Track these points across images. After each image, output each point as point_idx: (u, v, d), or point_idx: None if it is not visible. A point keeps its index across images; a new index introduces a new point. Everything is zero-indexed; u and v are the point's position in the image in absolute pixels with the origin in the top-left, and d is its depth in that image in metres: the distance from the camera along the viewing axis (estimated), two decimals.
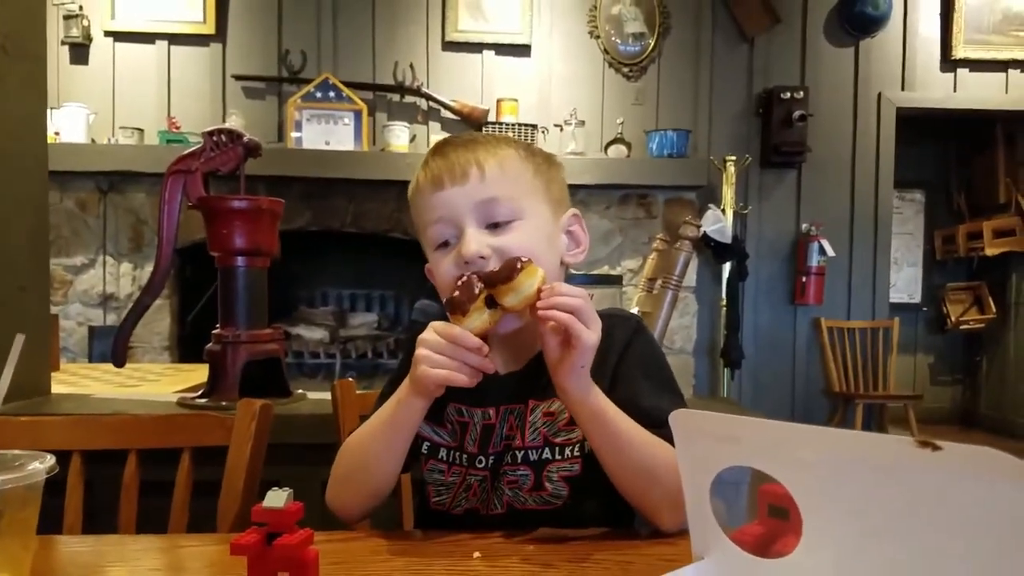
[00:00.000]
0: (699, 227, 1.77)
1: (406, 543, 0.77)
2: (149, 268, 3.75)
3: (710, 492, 0.55)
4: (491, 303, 0.75)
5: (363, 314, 4.14)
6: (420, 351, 0.75)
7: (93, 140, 3.60)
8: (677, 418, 0.53)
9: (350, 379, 1.17)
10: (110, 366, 2.22)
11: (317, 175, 3.54)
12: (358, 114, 3.65)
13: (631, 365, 0.85)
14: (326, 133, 3.63)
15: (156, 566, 0.73)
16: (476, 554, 0.72)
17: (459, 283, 0.76)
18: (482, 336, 0.75)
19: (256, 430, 1.00)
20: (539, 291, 0.74)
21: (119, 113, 3.74)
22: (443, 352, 0.74)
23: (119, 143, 3.60)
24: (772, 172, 4.07)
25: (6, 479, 0.58)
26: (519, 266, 0.74)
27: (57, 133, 3.50)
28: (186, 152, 1.52)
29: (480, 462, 0.85)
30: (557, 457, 0.84)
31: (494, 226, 0.82)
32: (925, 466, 0.41)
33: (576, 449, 0.84)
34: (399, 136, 3.63)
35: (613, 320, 0.84)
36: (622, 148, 3.76)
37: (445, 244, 0.83)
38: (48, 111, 3.44)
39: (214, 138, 1.51)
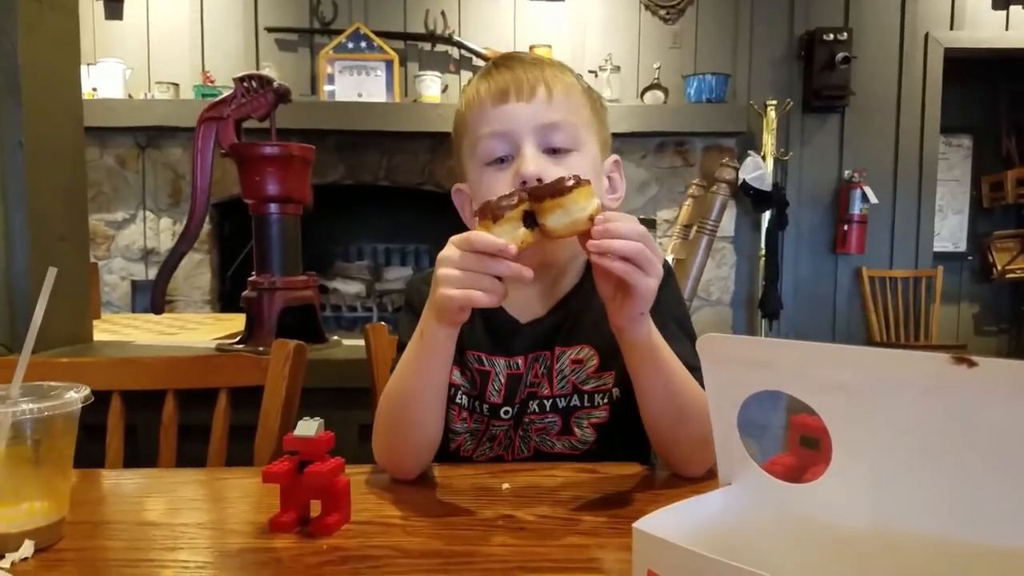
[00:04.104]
0: (736, 168, 1.71)
1: (436, 475, 0.77)
2: None
3: (738, 419, 0.54)
4: (530, 224, 0.65)
5: (398, 268, 4.18)
6: (440, 271, 0.66)
7: (130, 96, 3.64)
8: (705, 343, 0.52)
9: (382, 323, 1.18)
10: (151, 316, 2.28)
11: (350, 127, 3.54)
12: (389, 64, 3.61)
13: (659, 311, 0.83)
14: (358, 85, 3.61)
15: (193, 496, 0.75)
16: (505, 485, 0.72)
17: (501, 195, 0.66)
18: None
19: (291, 370, 1.02)
20: (591, 220, 0.65)
21: (154, 68, 3.76)
22: (466, 267, 0.65)
23: (155, 98, 3.63)
24: (814, 117, 3.94)
25: (43, 407, 0.59)
26: (573, 182, 0.64)
27: (95, 89, 3.54)
28: (217, 99, 1.52)
29: (506, 412, 0.84)
30: (586, 405, 0.83)
31: (551, 152, 0.79)
32: (961, 384, 0.40)
33: (606, 397, 0.83)
34: (431, 86, 3.59)
35: None
36: (659, 94, 3.66)
37: (499, 161, 0.79)
38: (85, 67, 3.51)
39: (245, 84, 1.50)
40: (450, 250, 0.66)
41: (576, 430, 0.83)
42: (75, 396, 0.62)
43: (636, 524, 0.47)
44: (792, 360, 0.49)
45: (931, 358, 0.40)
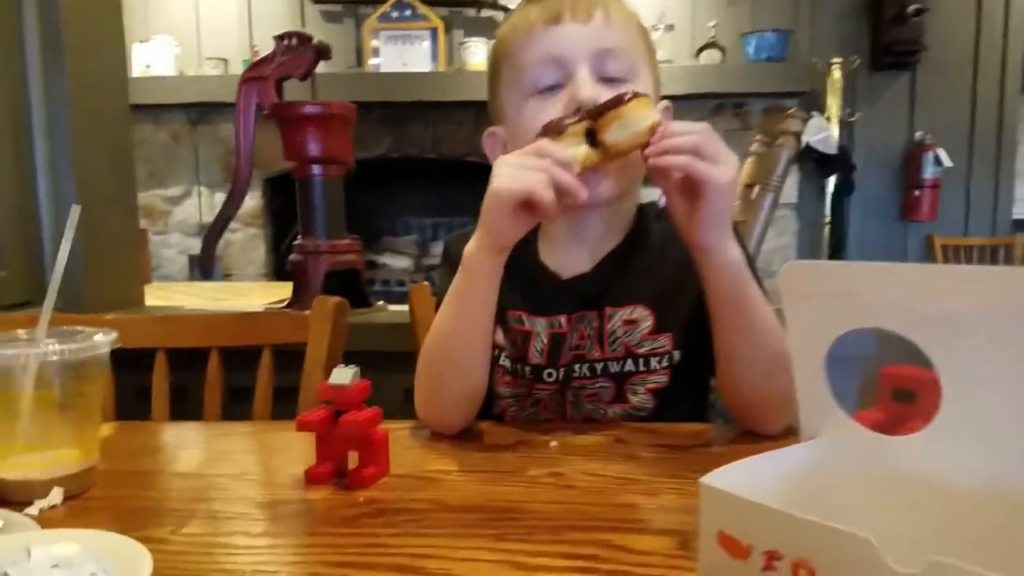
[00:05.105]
0: (804, 119, 1.60)
1: (480, 430, 0.72)
2: None
3: (826, 363, 0.47)
4: (593, 143, 0.64)
5: None
6: (497, 169, 0.63)
7: (181, 72, 3.67)
8: (789, 274, 0.45)
9: (425, 283, 1.13)
10: (202, 284, 2.29)
11: (395, 99, 3.50)
12: (434, 32, 3.55)
13: None
14: (403, 54, 3.56)
15: (231, 448, 0.72)
16: (552, 443, 0.67)
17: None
18: None
19: (333, 327, 0.99)
20: (651, 131, 0.63)
21: (204, 44, 3.79)
22: (526, 165, 0.62)
23: (205, 74, 3.66)
24: (882, 75, 3.72)
25: (70, 349, 0.56)
26: (630, 96, 0.63)
27: (148, 67, 3.59)
28: (258, 59, 1.49)
29: (549, 375, 0.77)
30: (642, 369, 0.76)
31: (606, 82, 0.71)
32: None
33: (664, 360, 0.76)
34: (476, 54, 3.52)
35: None
36: (715, 53, 3.51)
37: (548, 90, 0.72)
38: (138, 44, 3.55)
39: (285, 42, 1.47)
40: (511, 155, 0.64)
41: (631, 396, 0.76)
42: (103, 339, 0.59)
43: (704, 479, 0.41)
44: (890, 288, 0.42)
45: None
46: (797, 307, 0.46)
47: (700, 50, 3.56)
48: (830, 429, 0.48)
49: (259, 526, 0.50)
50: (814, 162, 3.55)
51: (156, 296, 1.81)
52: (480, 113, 3.71)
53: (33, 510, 0.54)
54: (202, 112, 3.69)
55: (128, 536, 0.47)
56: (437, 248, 4.08)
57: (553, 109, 0.70)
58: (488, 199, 0.64)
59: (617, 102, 0.63)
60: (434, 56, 3.55)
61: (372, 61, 3.57)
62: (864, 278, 0.43)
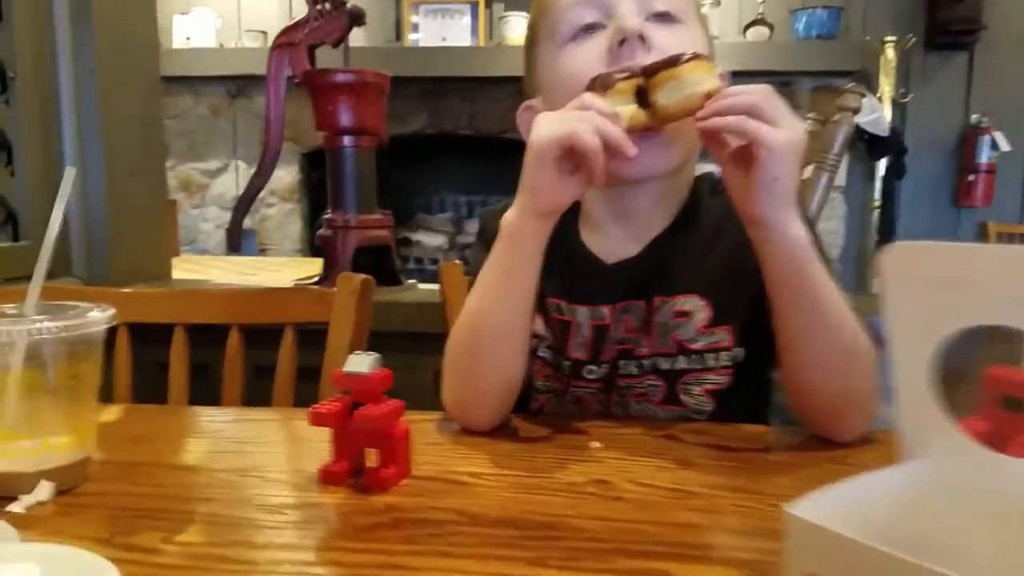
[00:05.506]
0: (863, 95, 1.49)
1: (514, 427, 0.66)
2: (279, 172, 3.83)
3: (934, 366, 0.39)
4: (643, 104, 0.59)
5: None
6: (536, 124, 0.59)
7: (221, 45, 3.64)
8: (892, 257, 0.37)
9: (456, 262, 1.07)
10: (235, 258, 2.27)
11: (433, 74, 3.42)
12: (474, 7, 3.47)
13: None
14: (443, 29, 3.49)
15: (242, 438, 0.66)
16: (595, 444, 0.60)
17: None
18: None
19: (358, 306, 0.93)
20: (706, 97, 0.56)
21: (244, 16, 3.75)
22: (568, 117, 0.57)
23: (244, 47, 3.62)
24: (938, 55, 3.53)
25: (63, 326, 0.50)
26: (689, 56, 0.57)
27: (188, 38, 3.57)
28: (290, 24, 1.43)
29: (590, 372, 0.70)
30: (696, 367, 0.68)
31: (656, 18, 0.65)
32: None
33: (724, 358, 0.67)
34: (516, 28, 3.42)
35: None
36: (763, 30, 3.36)
37: (586, 32, 0.66)
38: (180, 16, 3.53)
39: (318, 7, 1.40)
40: (552, 112, 0.60)
41: (685, 397, 0.68)
42: (99, 316, 0.53)
43: (791, 508, 0.33)
44: (1017, 275, 0.34)
45: None
46: (901, 297, 0.38)
47: (747, 26, 3.41)
48: (937, 447, 0.39)
49: (263, 535, 0.44)
50: (865, 144, 3.40)
51: (185, 269, 1.78)
52: (517, 89, 3.60)
53: (17, 507, 0.48)
54: (241, 85, 3.65)
55: (116, 543, 0.42)
56: (472, 226, 4.02)
57: (594, 46, 0.64)
58: (528, 154, 0.59)
59: (674, 61, 0.58)
60: (474, 31, 3.47)
61: (411, 36, 3.51)
62: (988, 264, 0.35)
